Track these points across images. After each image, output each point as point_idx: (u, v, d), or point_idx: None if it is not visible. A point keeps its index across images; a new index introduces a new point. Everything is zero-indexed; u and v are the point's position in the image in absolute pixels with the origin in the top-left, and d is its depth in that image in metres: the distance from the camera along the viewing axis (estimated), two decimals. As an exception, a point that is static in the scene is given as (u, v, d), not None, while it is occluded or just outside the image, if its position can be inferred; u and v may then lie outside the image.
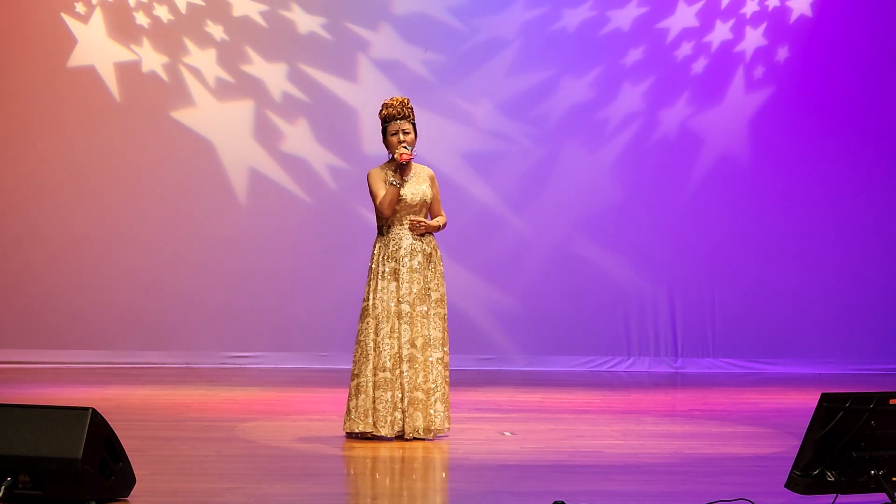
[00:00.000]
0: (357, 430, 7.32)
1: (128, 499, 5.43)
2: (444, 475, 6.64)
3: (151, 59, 12.17)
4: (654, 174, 12.43)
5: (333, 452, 7.06)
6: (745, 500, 5.39)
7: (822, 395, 5.03)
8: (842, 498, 5.18)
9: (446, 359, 7.44)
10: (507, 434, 7.84)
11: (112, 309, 12.08)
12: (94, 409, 5.23)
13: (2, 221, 12.11)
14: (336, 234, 12.10)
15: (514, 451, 7.20)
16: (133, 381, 10.72)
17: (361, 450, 7.06)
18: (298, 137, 12.29)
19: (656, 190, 12.42)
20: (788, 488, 5.14)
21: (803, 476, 5.06)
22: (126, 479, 5.43)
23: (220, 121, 12.24)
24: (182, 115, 12.21)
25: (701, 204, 12.43)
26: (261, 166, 12.26)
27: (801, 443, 5.10)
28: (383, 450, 7.05)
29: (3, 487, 5.16)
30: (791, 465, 5.14)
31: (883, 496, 5.10)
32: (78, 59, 12.13)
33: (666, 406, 9.96)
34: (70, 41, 12.11)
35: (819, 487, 5.08)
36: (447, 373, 7.45)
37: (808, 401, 5.37)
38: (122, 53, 12.16)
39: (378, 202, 7.42)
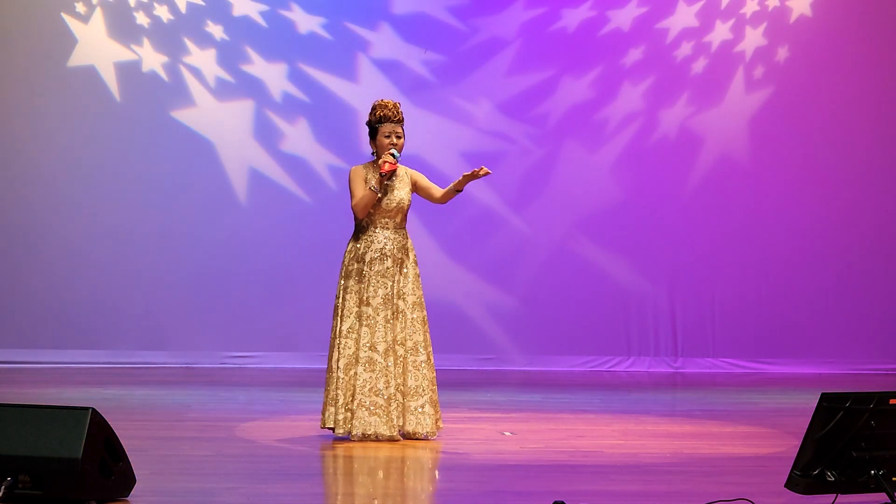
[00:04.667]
0: (323, 426, 7.33)
1: (128, 499, 5.43)
2: (444, 475, 6.64)
3: (151, 59, 12.17)
4: (654, 174, 12.43)
5: (333, 453, 7.06)
6: (745, 500, 5.39)
7: (822, 395, 5.03)
8: (842, 498, 5.18)
9: (431, 360, 7.42)
10: (507, 434, 7.84)
11: (112, 309, 12.08)
12: (94, 409, 5.23)
13: (1, 221, 12.10)
14: (336, 235, 12.06)
15: (514, 451, 7.20)
16: (133, 381, 10.72)
17: (361, 450, 7.06)
18: (298, 137, 12.30)
19: (656, 190, 12.42)
20: (788, 488, 5.14)
21: (803, 476, 5.06)
22: (126, 479, 5.43)
23: (220, 121, 12.24)
24: (182, 115, 12.21)
25: (701, 204, 12.43)
26: (261, 166, 12.27)
27: (801, 443, 5.10)
28: (383, 450, 7.05)
29: (3, 487, 5.16)
30: (791, 465, 5.13)
31: (883, 496, 5.10)
32: (78, 58, 12.13)
33: (666, 406, 9.97)
34: (70, 41, 12.11)
35: (819, 487, 5.08)
36: (433, 375, 7.43)
37: (808, 401, 5.36)
38: (123, 53, 12.16)
39: (353, 203, 7.36)
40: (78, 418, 5.21)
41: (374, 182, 7.32)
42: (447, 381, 10.73)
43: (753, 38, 12.46)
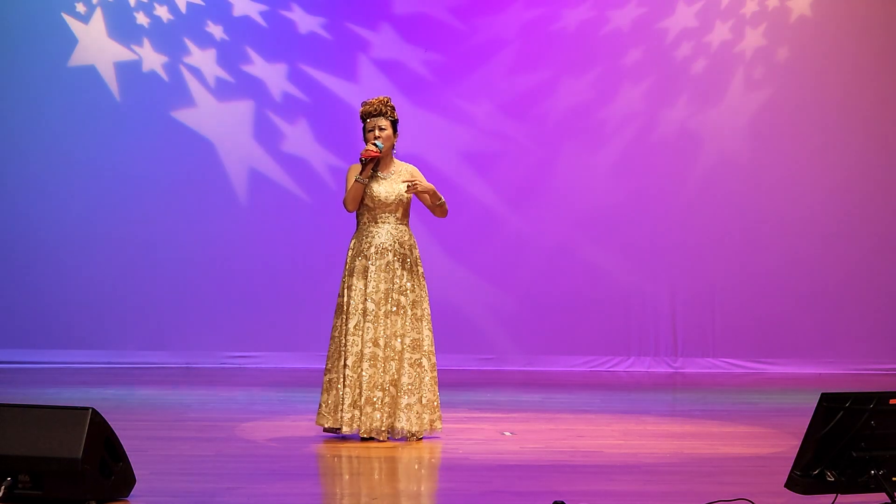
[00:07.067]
0: (326, 426, 7.33)
1: (128, 499, 5.43)
2: (444, 475, 6.64)
3: (151, 59, 12.18)
4: (654, 174, 12.42)
5: (333, 453, 7.06)
6: (745, 500, 5.39)
7: (822, 395, 5.03)
8: (842, 498, 5.18)
9: (432, 360, 7.40)
10: (507, 434, 7.84)
11: (112, 309, 12.08)
12: (94, 409, 5.24)
13: (1, 221, 12.11)
14: (336, 235, 12.09)
15: (514, 451, 7.20)
16: (133, 381, 10.72)
17: (361, 450, 7.06)
18: (298, 137, 12.30)
19: (656, 190, 12.42)
20: (788, 488, 5.14)
21: (803, 476, 5.06)
22: (126, 479, 5.43)
23: (220, 121, 12.24)
24: (182, 115, 12.22)
25: (701, 204, 12.42)
26: (261, 166, 12.27)
27: (801, 443, 5.10)
28: (383, 450, 7.05)
29: (3, 487, 5.16)
30: (791, 465, 5.13)
31: (883, 496, 5.10)
32: (78, 58, 12.14)
33: (666, 406, 9.97)
34: (71, 41, 12.12)
35: (819, 487, 5.08)
36: (433, 374, 7.41)
37: (808, 401, 5.36)
38: (123, 53, 12.16)
39: (343, 196, 7.47)
40: (78, 418, 5.21)
41: (359, 173, 7.38)
42: (447, 381, 10.72)
43: (753, 39, 12.46)
